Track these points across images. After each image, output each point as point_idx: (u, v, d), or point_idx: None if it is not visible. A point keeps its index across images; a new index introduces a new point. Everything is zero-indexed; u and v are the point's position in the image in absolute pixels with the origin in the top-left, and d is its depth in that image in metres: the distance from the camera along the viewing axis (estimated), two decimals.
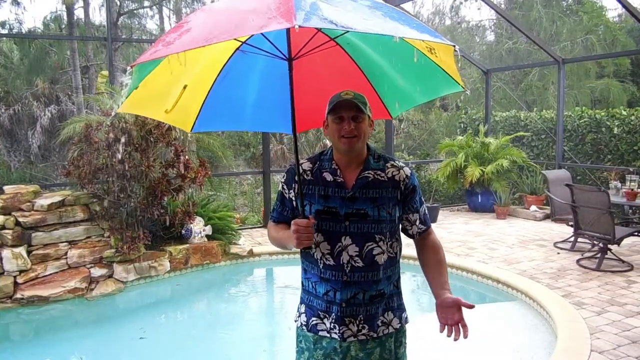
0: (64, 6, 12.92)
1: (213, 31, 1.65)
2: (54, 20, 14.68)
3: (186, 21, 1.85)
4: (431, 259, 2.02)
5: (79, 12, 14.06)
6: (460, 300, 1.87)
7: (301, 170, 1.99)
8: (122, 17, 14.25)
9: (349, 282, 1.91)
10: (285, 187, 2.04)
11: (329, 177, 1.96)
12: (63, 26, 14.42)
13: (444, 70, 2.09)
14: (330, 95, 1.95)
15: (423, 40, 1.86)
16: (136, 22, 16.16)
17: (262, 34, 1.94)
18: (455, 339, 1.88)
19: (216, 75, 2.19)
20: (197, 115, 2.25)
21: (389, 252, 1.96)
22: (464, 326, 1.87)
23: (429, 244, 2.05)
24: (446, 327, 1.92)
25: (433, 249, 2.04)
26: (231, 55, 2.16)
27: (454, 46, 1.83)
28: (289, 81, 1.97)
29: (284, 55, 2.02)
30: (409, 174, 1.99)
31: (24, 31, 13.78)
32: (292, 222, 1.86)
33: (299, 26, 1.42)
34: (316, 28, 1.98)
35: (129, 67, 1.83)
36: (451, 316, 1.91)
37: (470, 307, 1.85)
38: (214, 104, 2.25)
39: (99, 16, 14.56)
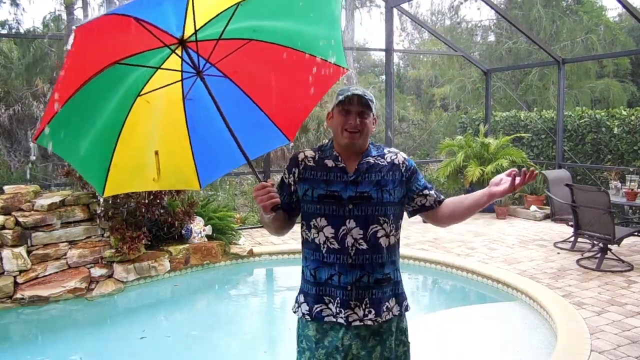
0: (63, 7, 12.90)
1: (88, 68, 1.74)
2: (53, 20, 14.66)
3: (63, 70, 1.80)
4: (457, 198, 2.04)
5: (78, 13, 14.03)
6: (503, 177, 1.87)
7: (303, 156, 2.04)
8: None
9: (354, 265, 1.94)
10: (286, 172, 2.07)
11: (330, 163, 1.99)
12: (62, 26, 14.40)
13: None
14: (286, 88, 1.99)
15: None
16: None
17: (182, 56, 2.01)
18: (532, 178, 1.78)
19: (186, 129, 2.21)
20: (197, 171, 2.27)
21: (393, 235, 2.00)
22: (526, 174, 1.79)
23: (448, 199, 2.07)
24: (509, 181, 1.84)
25: (454, 197, 2.07)
26: (184, 107, 2.19)
27: None
28: (215, 97, 2.01)
29: (194, 70, 2.04)
30: (406, 157, 2.06)
31: (22, 31, 13.78)
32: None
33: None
34: (215, 39, 2.04)
35: (31, 143, 1.88)
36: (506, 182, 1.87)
37: (518, 175, 1.82)
38: (204, 154, 2.26)
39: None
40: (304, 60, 2.21)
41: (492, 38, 17.58)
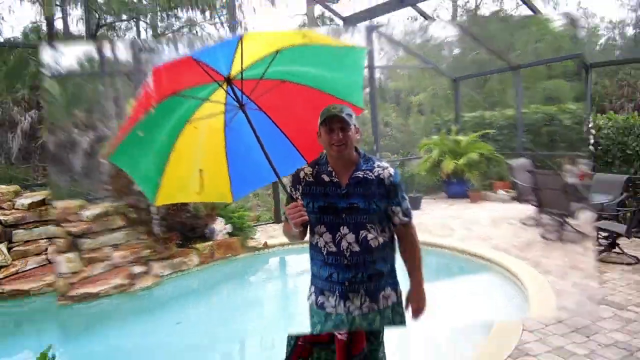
0: (44, 17, 11.92)
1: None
2: (32, 31, 13.55)
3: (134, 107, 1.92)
4: (408, 252, 2.09)
5: (58, 23, 12.13)
6: (415, 311, 2.10)
7: (304, 174, 2.05)
8: (101, 29, 12.72)
9: (349, 265, 1.95)
10: (292, 189, 2.08)
11: (326, 178, 2.01)
12: (42, 37, 13.11)
13: (338, 46, 2.17)
14: (310, 121, 2.04)
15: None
16: (115, 36, 13.90)
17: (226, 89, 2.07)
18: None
19: (224, 152, 2.26)
20: (231, 187, 2.31)
21: (382, 236, 1.99)
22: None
23: (409, 238, 2.08)
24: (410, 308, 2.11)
25: (411, 244, 2.08)
26: (225, 134, 2.24)
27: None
28: (262, 128, 2.10)
29: (236, 103, 2.09)
30: (392, 173, 2.02)
31: (1, 40, 12.62)
32: (285, 210, 1.94)
33: None
34: (257, 78, 2.09)
35: (102, 160, 1.96)
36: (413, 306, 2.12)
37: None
38: (238, 173, 2.30)
39: (76, 28, 13.20)
40: (327, 99, 2.23)
41: (457, 51, 17.55)
